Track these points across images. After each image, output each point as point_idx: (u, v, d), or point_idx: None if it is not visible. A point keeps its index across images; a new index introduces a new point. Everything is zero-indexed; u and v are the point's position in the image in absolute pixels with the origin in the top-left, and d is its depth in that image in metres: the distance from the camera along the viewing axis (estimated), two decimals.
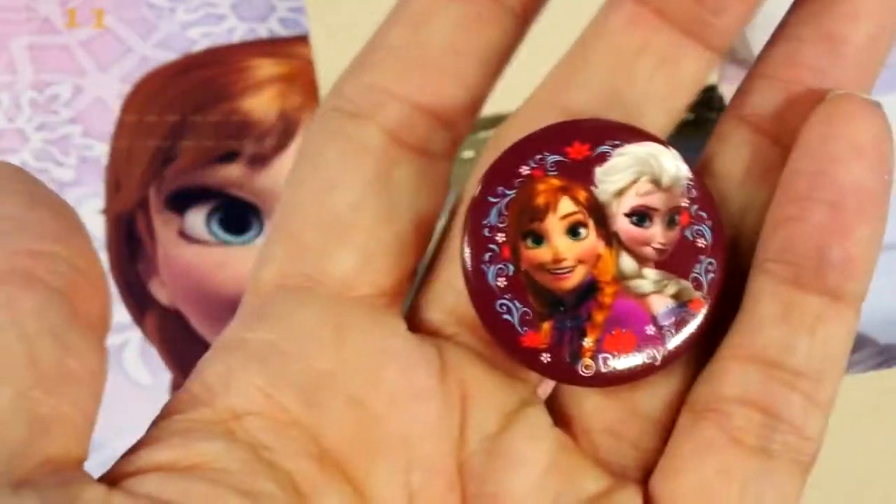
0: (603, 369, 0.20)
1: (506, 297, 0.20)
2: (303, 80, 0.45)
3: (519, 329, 0.20)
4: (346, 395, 0.20)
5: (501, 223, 0.20)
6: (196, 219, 0.44)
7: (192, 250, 0.44)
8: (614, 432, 0.21)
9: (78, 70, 0.46)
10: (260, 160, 0.45)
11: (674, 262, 0.20)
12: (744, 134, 0.22)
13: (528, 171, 0.21)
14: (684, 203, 0.21)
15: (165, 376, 0.42)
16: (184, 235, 0.44)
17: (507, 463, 0.20)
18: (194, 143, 0.45)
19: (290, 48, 0.46)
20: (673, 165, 0.21)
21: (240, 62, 0.46)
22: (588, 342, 0.20)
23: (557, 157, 0.21)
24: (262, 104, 0.45)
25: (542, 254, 0.20)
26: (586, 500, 0.20)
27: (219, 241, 0.44)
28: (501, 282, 0.20)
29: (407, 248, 0.21)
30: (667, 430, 0.21)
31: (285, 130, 0.45)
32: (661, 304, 0.20)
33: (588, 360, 0.20)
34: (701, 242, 0.21)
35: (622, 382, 0.21)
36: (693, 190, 0.21)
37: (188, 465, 0.19)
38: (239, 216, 0.44)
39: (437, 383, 0.21)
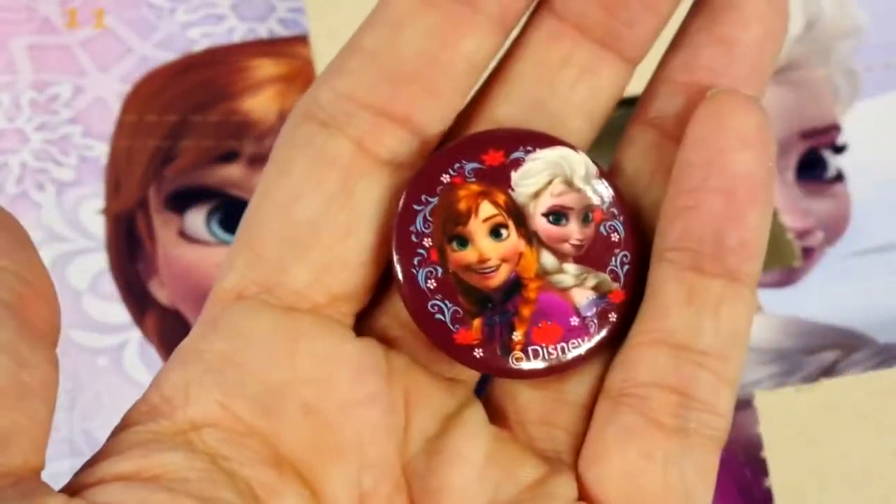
0: (533, 361, 0.22)
1: (437, 297, 0.21)
2: (303, 80, 0.45)
3: (451, 327, 0.21)
4: (300, 403, 0.21)
5: (427, 229, 0.22)
6: (196, 219, 0.44)
7: (192, 250, 0.44)
8: (546, 421, 0.22)
9: (78, 70, 0.46)
10: (260, 160, 0.45)
11: (591, 256, 0.22)
12: (649, 137, 0.23)
13: (449, 179, 0.22)
14: (596, 201, 0.22)
15: None
16: (184, 235, 0.44)
17: (447, 460, 0.21)
18: (194, 143, 0.45)
19: (289, 48, 0.46)
20: (583, 167, 0.22)
21: (240, 62, 0.46)
22: (517, 336, 0.22)
23: (475, 165, 0.22)
24: (262, 104, 0.45)
25: (468, 255, 0.22)
26: (524, 487, 0.21)
27: (219, 241, 0.44)
28: (431, 283, 0.21)
29: (368, 259, 0.22)
30: (591, 413, 0.22)
31: None
32: (582, 297, 0.22)
33: (518, 353, 0.22)
34: (615, 237, 0.22)
35: (552, 373, 0.22)
36: (605, 188, 0.22)
37: (149, 475, 0.19)
38: (239, 216, 0.44)
39: (384, 389, 0.21)
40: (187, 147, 0.45)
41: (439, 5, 0.21)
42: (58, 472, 0.20)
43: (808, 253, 0.43)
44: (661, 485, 0.21)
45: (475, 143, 0.22)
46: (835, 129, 0.44)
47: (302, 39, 0.46)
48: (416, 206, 0.22)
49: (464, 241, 0.22)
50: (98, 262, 0.44)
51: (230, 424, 0.20)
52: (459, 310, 0.21)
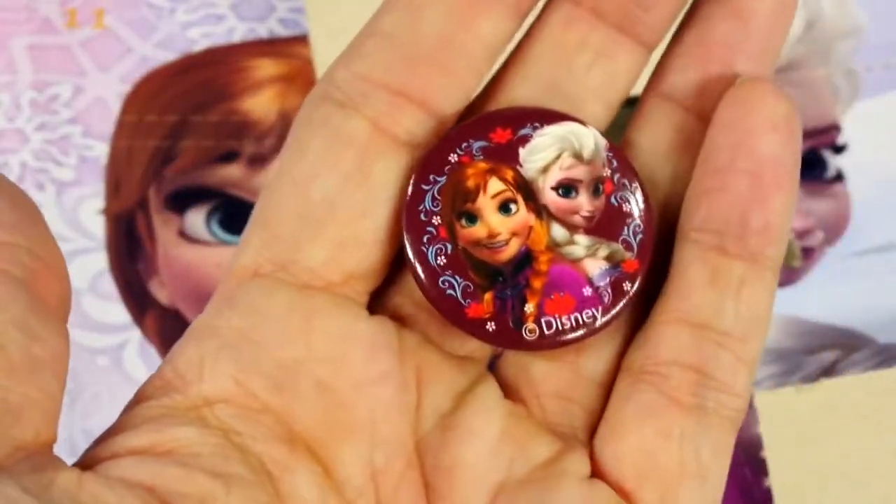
0: (546, 332, 0.22)
1: (447, 273, 0.22)
2: (303, 80, 0.45)
3: (463, 302, 0.22)
4: (314, 381, 0.21)
5: (435, 207, 0.22)
6: (196, 219, 0.44)
7: (192, 250, 0.44)
8: (562, 395, 0.22)
9: (78, 70, 0.46)
10: (260, 160, 0.45)
11: (603, 227, 0.22)
12: (665, 110, 0.23)
13: (457, 158, 0.22)
14: (606, 172, 0.22)
15: None
16: (184, 235, 0.44)
17: (460, 436, 0.21)
18: (194, 143, 0.45)
19: (289, 48, 0.46)
20: (592, 140, 0.22)
21: (240, 62, 0.46)
22: (529, 307, 0.22)
23: (483, 143, 0.22)
24: (262, 104, 0.45)
25: (478, 231, 0.22)
26: (538, 464, 0.21)
27: (219, 241, 0.44)
28: (441, 260, 0.22)
29: (383, 238, 0.22)
30: (608, 389, 0.22)
31: (285, 130, 0.45)
32: (595, 267, 0.22)
33: (531, 325, 0.22)
34: (626, 207, 0.22)
35: (567, 344, 0.22)
36: (613, 160, 0.22)
37: (162, 450, 0.19)
38: (239, 216, 0.44)
39: (396, 367, 0.22)
40: (187, 147, 0.45)
41: None
42: None
43: (808, 253, 0.43)
44: (676, 462, 0.21)
45: (483, 122, 0.22)
46: (835, 129, 0.45)
47: (302, 39, 0.46)
48: (424, 186, 0.22)
49: (473, 218, 0.22)
50: (98, 262, 0.44)
51: (244, 401, 0.21)
52: (470, 284, 0.22)
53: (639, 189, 0.22)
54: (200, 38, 0.46)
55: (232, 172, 0.44)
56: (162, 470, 0.19)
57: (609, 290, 0.22)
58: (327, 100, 0.22)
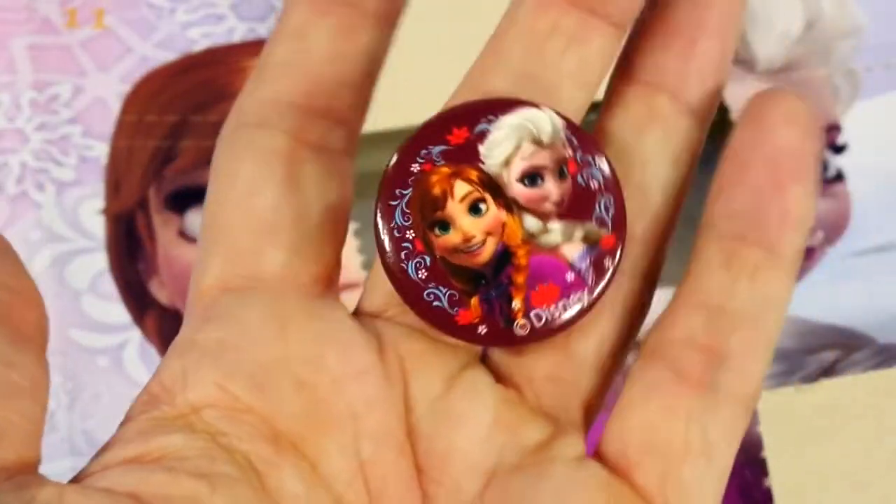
0: (537, 324, 0.22)
1: (430, 286, 0.22)
2: None
3: (450, 311, 0.22)
4: (293, 380, 0.21)
5: (406, 221, 0.22)
6: (196, 219, 0.44)
7: (192, 250, 0.44)
8: (554, 379, 0.23)
9: (78, 70, 0.46)
10: None
11: (574, 208, 0.22)
12: (635, 92, 0.24)
13: (419, 168, 0.22)
14: (568, 153, 0.22)
15: None
16: (184, 235, 0.44)
17: (452, 421, 0.22)
18: (194, 143, 0.45)
19: None
20: (549, 122, 0.22)
21: (240, 62, 0.46)
22: (517, 304, 0.22)
23: (441, 147, 0.22)
24: None
25: (452, 238, 0.22)
26: (530, 449, 0.22)
27: None
28: (422, 273, 0.22)
29: (327, 237, 0.23)
30: (601, 371, 0.23)
31: None
32: (573, 251, 0.22)
33: (522, 321, 0.22)
34: (594, 184, 0.22)
35: (559, 332, 0.22)
36: (573, 138, 0.22)
37: (149, 459, 0.20)
38: None
39: (376, 360, 0.22)
40: (187, 147, 0.45)
41: (330, 12, 0.23)
42: (58, 471, 0.20)
43: (809, 253, 0.43)
44: (681, 440, 0.21)
45: (437, 124, 0.22)
46: (835, 129, 0.45)
47: None
48: (391, 202, 0.22)
49: (445, 225, 0.22)
50: (98, 262, 0.44)
51: (228, 403, 0.21)
52: (455, 293, 0.22)
53: (603, 161, 0.22)
54: (200, 38, 0.46)
55: None
56: (147, 477, 0.20)
57: (591, 271, 0.22)
58: (243, 126, 0.23)
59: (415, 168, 0.22)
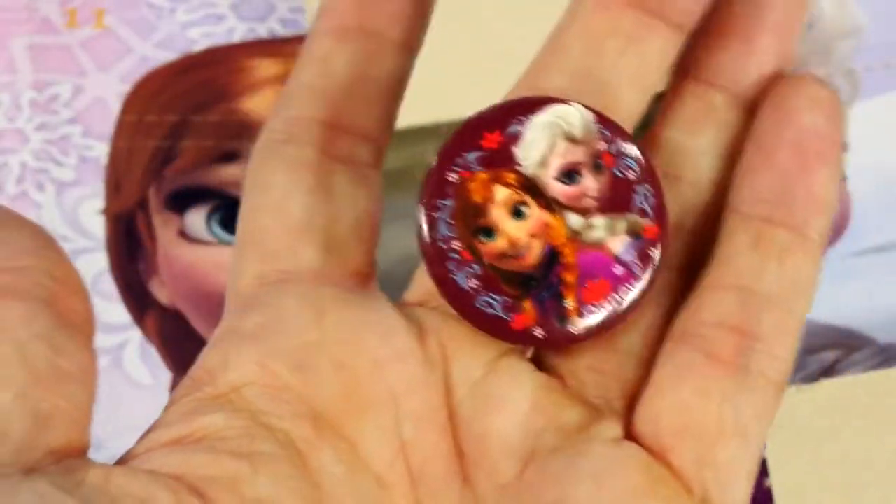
0: (593, 322, 0.22)
1: (482, 294, 0.22)
2: None
3: (505, 317, 0.22)
4: (332, 361, 0.22)
5: (452, 232, 0.22)
6: (196, 219, 0.44)
7: (192, 250, 0.44)
8: (597, 369, 0.23)
9: (78, 70, 0.46)
10: None
11: (614, 201, 0.22)
12: (694, 91, 0.24)
13: (457, 176, 0.22)
14: (602, 146, 0.22)
15: (165, 376, 0.42)
16: (184, 235, 0.44)
17: (491, 405, 0.22)
18: (194, 143, 0.45)
19: (290, 48, 0.46)
20: (579, 117, 0.22)
21: (240, 62, 0.46)
22: (570, 303, 0.22)
23: (476, 153, 0.22)
24: (262, 104, 0.45)
25: (498, 244, 0.22)
26: (568, 432, 0.22)
27: (219, 242, 0.44)
28: (473, 282, 0.22)
29: (359, 240, 0.23)
30: (644, 361, 0.23)
31: None
32: (618, 244, 0.22)
33: (576, 318, 0.22)
34: (631, 174, 0.22)
35: (615, 325, 0.22)
36: (605, 130, 0.22)
37: (191, 440, 0.20)
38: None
39: (416, 345, 0.22)
40: (187, 147, 0.45)
41: (353, 40, 0.23)
42: None
43: None
44: (715, 421, 0.21)
45: (469, 131, 0.22)
46: None
47: (302, 39, 0.46)
48: (434, 214, 0.22)
49: (490, 232, 0.22)
50: (98, 262, 0.44)
51: (268, 381, 0.21)
52: (507, 298, 0.22)
53: (637, 152, 0.22)
54: (200, 38, 0.46)
55: (232, 172, 0.44)
56: (189, 458, 0.20)
57: (638, 262, 0.22)
58: (273, 142, 0.23)
59: (453, 177, 0.22)
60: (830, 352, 0.42)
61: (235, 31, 0.47)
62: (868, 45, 0.46)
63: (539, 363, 0.23)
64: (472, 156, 0.22)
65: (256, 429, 0.21)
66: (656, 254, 0.22)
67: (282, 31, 0.47)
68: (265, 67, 0.46)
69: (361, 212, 0.23)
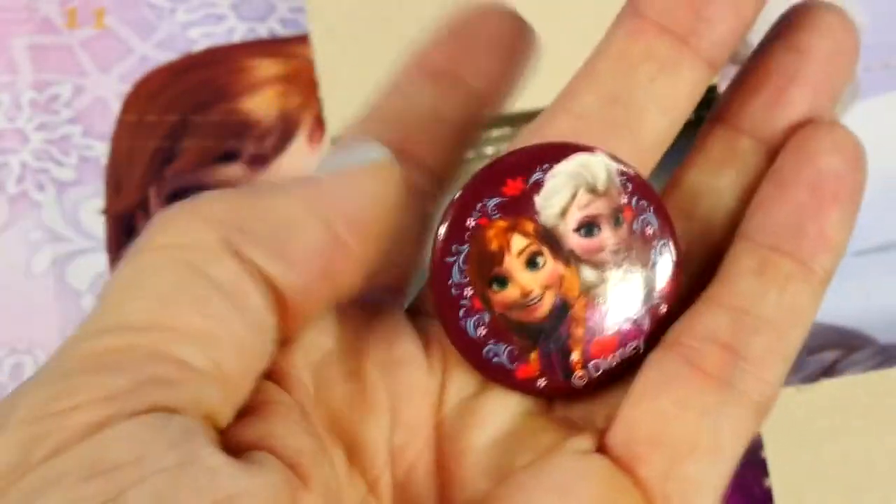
0: (595, 375, 0.22)
1: (490, 342, 0.22)
2: (303, 81, 0.45)
3: (510, 366, 0.22)
4: (342, 369, 0.22)
5: (464, 279, 0.22)
6: None
7: None
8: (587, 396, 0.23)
9: (78, 70, 0.46)
10: (260, 160, 0.45)
11: (631, 256, 0.22)
12: (723, 136, 0.24)
13: (475, 222, 0.22)
14: (623, 200, 0.22)
15: None
16: None
17: (474, 422, 0.22)
18: (194, 143, 0.45)
19: (290, 48, 0.46)
20: (603, 168, 0.22)
21: (240, 62, 0.46)
22: (575, 356, 0.22)
23: (497, 200, 0.22)
24: (262, 104, 0.45)
25: (511, 294, 0.22)
26: (541, 451, 0.22)
27: None
28: (482, 331, 0.22)
29: (399, 253, 0.23)
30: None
31: (285, 130, 0.45)
32: (630, 300, 0.22)
33: (580, 372, 0.22)
34: (649, 230, 0.22)
35: (615, 378, 0.22)
36: (628, 183, 0.22)
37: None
38: None
39: (420, 352, 0.22)
40: (187, 147, 0.45)
41: (440, 82, 0.24)
42: None
43: None
44: (691, 434, 0.21)
45: (491, 176, 0.22)
46: None
47: (302, 39, 0.46)
48: (448, 259, 0.22)
49: (503, 281, 0.22)
50: (98, 262, 0.44)
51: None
52: (514, 348, 0.22)
53: (658, 208, 0.22)
54: (200, 38, 0.46)
55: (232, 172, 0.44)
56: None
57: (647, 318, 0.22)
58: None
59: (470, 223, 0.22)
60: (830, 352, 0.42)
61: (235, 31, 0.47)
62: (868, 45, 0.46)
63: None
64: (492, 202, 0.22)
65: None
66: (666, 309, 0.22)
67: (282, 31, 0.47)
68: (265, 67, 0.46)
69: (405, 229, 0.23)
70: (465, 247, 0.22)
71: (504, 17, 0.24)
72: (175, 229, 0.20)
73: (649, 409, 0.21)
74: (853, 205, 0.22)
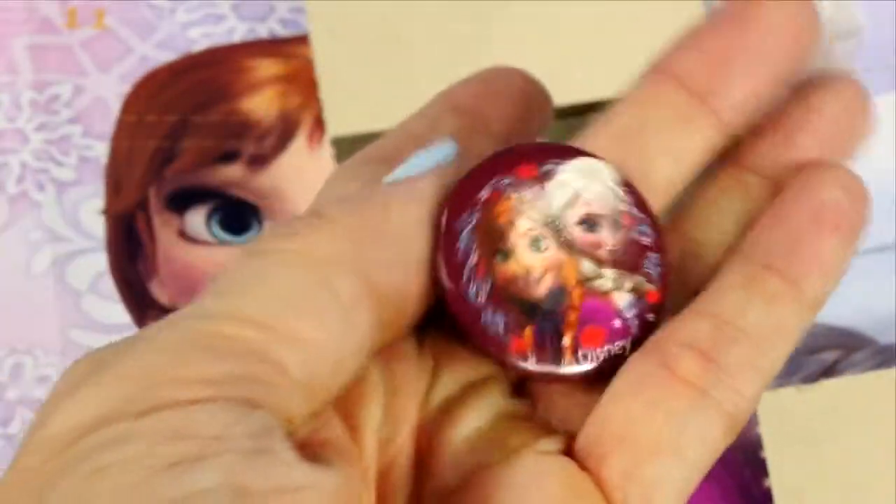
0: (583, 365, 0.22)
1: (488, 310, 0.22)
2: (303, 80, 0.45)
3: (503, 338, 0.22)
4: (335, 359, 0.22)
5: (472, 244, 0.22)
6: (196, 219, 0.44)
7: (193, 250, 0.44)
8: (569, 396, 0.23)
9: (78, 70, 0.46)
10: (260, 160, 0.45)
11: (626, 260, 0.23)
12: (734, 177, 0.25)
13: (487, 195, 0.23)
14: (624, 207, 0.23)
15: None
16: (184, 235, 0.44)
17: (452, 420, 0.23)
18: (194, 143, 0.45)
19: (290, 48, 0.46)
20: (610, 175, 0.23)
21: (240, 62, 0.46)
22: (566, 341, 0.22)
23: (510, 179, 0.23)
24: (262, 104, 0.45)
25: (513, 267, 0.22)
26: (511, 450, 0.22)
27: (219, 242, 0.44)
28: (482, 297, 0.22)
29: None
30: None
31: (285, 130, 0.45)
32: (622, 299, 0.23)
33: (569, 358, 0.22)
34: (645, 240, 0.23)
35: (600, 375, 0.22)
36: (629, 195, 0.23)
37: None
38: (239, 216, 0.44)
39: (414, 348, 0.23)
40: (187, 147, 0.45)
41: (463, 116, 0.24)
42: None
43: None
44: (653, 436, 0.21)
45: (507, 158, 0.23)
46: None
47: (302, 39, 0.46)
48: (458, 224, 0.22)
49: (506, 255, 0.22)
50: (98, 262, 0.44)
51: None
52: (511, 320, 0.22)
53: (653, 223, 0.23)
54: (200, 38, 0.46)
55: (232, 173, 0.44)
56: None
57: (636, 321, 0.23)
58: (367, 160, 0.24)
59: (483, 195, 0.23)
60: (830, 352, 0.42)
61: (235, 31, 0.47)
62: (868, 46, 0.46)
63: (521, 385, 0.24)
64: (506, 180, 0.23)
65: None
66: (652, 319, 0.23)
67: (282, 32, 0.47)
68: (265, 67, 0.46)
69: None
70: (476, 215, 0.22)
71: (525, 77, 0.25)
72: (307, 237, 0.21)
73: (619, 409, 0.22)
74: (852, 237, 0.23)
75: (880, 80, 0.45)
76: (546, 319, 0.22)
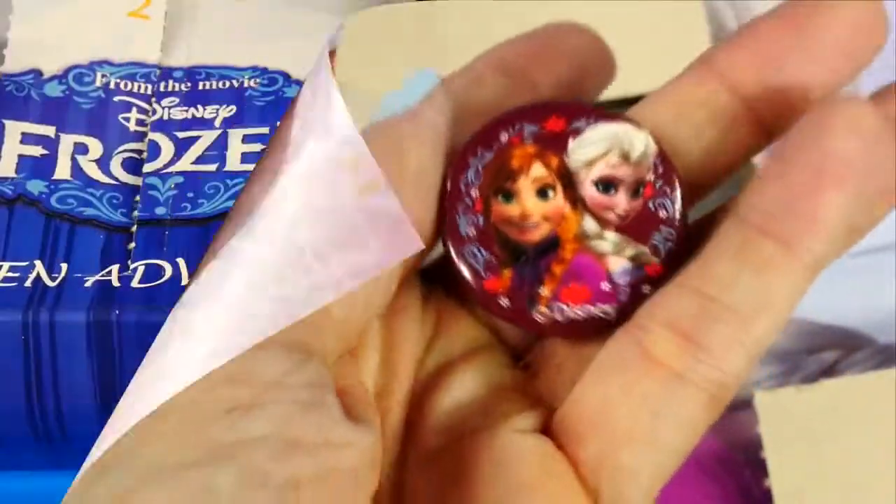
0: (557, 318, 0.22)
1: (474, 244, 0.22)
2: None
3: (482, 274, 0.22)
4: (365, 293, 0.22)
5: (477, 180, 0.22)
6: None
7: None
8: (561, 368, 0.23)
9: None
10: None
11: (635, 228, 0.22)
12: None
13: (507, 139, 0.23)
14: (650, 177, 0.22)
15: None
16: None
17: (444, 384, 0.23)
18: None
19: None
20: (643, 143, 0.23)
21: None
22: (545, 291, 0.22)
23: (535, 128, 0.23)
24: None
25: (511, 209, 0.22)
26: (494, 419, 0.22)
27: None
28: (471, 231, 0.22)
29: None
30: None
31: None
32: (617, 264, 0.22)
33: (543, 308, 0.22)
34: (662, 214, 0.22)
35: (576, 333, 0.22)
36: (660, 167, 0.23)
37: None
38: None
39: (419, 304, 0.23)
40: None
41: (509, 75, 0.24)
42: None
43: None
44: (627, 422, 0.21)
45: (540, 108, 0.23)
46: None
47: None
48: (471, 158, 0.23)
49: (509, 196, 0.23)
50: None
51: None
52: (493, 259, 0.22)
53: (678, 200, 0.23)
54: None
55: None
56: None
57: (627, 289, 0.22)
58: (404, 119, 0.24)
59: (503, 137, 0.23)
60: (830, 352, 0.42)
61: None
62: None
63: (522, 350, 0.24)
64: (530, 129, 0.23)
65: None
66: (648, 291, 0.22)
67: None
68: None
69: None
70: (490, 154, 0.23)
71: (582, 34, 0.24)
72: None
73: (596, 391, 0.21)
74: (858, 188, 0.20)
75: (880, 81, 0.45)
76: (529, 265, 0.22)
